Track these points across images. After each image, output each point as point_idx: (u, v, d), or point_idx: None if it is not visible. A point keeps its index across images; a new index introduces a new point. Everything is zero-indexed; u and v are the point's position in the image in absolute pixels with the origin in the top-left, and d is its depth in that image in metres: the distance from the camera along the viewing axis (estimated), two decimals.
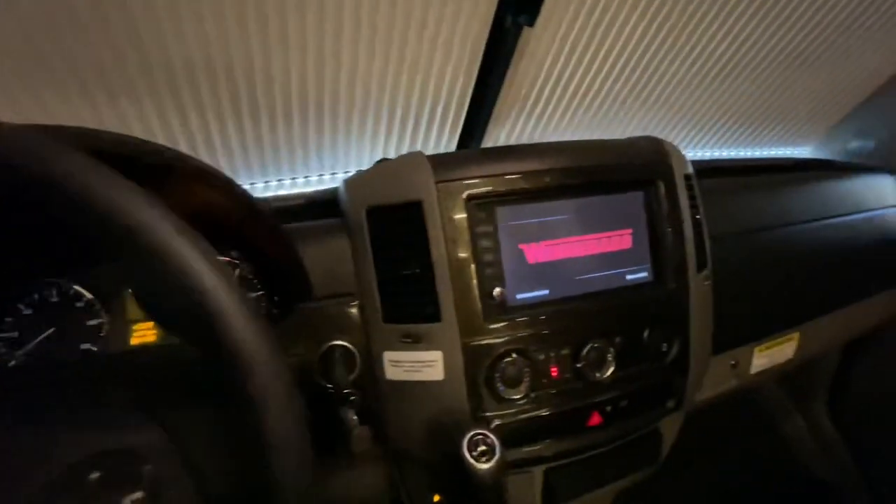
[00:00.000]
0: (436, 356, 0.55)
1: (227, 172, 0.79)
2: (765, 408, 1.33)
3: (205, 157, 0.76)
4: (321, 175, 0.91)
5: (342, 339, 0.57)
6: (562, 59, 0.80)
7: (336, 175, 0.92)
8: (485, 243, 0.57)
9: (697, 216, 0.67)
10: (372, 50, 0.69)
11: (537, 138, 0.96)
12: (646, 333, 0.62)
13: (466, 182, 0.56)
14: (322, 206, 0.71)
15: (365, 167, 0.90)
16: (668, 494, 1.20)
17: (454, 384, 0.55)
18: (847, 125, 1.09)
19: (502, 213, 0.58)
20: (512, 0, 0.67)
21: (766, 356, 0.86)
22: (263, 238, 0.51)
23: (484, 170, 0.57)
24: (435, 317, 0.54)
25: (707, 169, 0.94)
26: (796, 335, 0.87)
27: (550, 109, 0.91)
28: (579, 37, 0.77)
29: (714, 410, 0.89)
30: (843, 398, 1.22)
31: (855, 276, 0.91)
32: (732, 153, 1.13)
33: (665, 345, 0.64)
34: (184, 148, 0.73)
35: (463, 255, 0.55)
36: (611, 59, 0.83)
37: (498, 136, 0.93)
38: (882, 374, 1.12)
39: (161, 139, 0.70)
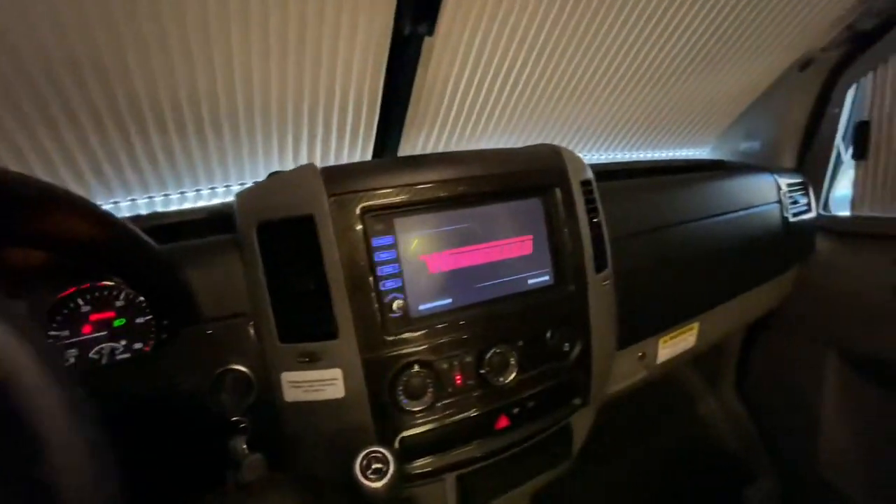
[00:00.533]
0: (335, 374, 0.53)
1: (118, 187, 0.75)
2: (680, 392, 1.43)
3: (88, 173, 0.69)
4: (228, 186, 0.86)
5: (238, 363, 0.54)
6: (468, 67, 0.81)
7: (246, 185, 0.88)
8: (384, 256, 0.56)
9: (595, 219, 0.71)
10: (266, 57, 0.66)
11: (452, 148, 0.97)
12: (548, 335, 0.64)
13: (361, 194, 0.55)
14: (224, 220, 0.68)
15: None
16: (592, 482, 1.26)
17: (356, 401, 0.54)
18: (737, 129, 1.20)
19: (402, 224, 0.57)
20: (409, 9, 0.67)
21: (671, 346, 0.92)
22: (133, 262, 0.48)
23: (379, 181, 0.56)
24: (332, 334, 0.53)
25: (610, 171, 0.99)
26: (696, 324, 0.94)
27: (463, 118, 0.92)
28: (483, 45, 0.78)
29: (632, 399, 0.94)
30: (747, 377, 1.34)
31: (745, 267, 1.00)
32: (637, 155, 1.20)
33: (567, 345, 0.66)
34: (64, 167, 0.67)
35: (360, 268, 0.54)
36: (516, 68, 0.85)
37: (414, 146, 0.93)
38: (777, 352, 1.24)
39: (32, 157, 0.64)
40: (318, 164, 0.87)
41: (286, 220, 0.53)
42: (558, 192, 0.66)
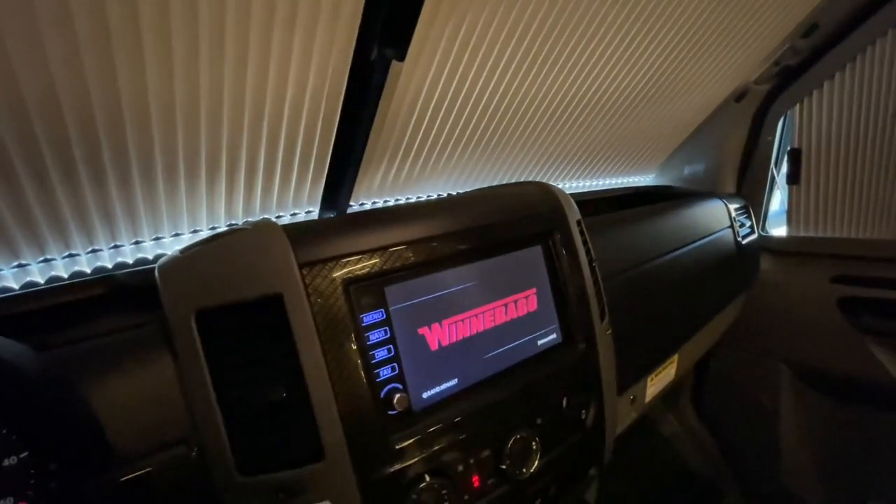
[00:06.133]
0: None
1: None
2: (644, 418, 1.42)
3: None
4: (139, 242, 0.67)
5: None
6: (436, 95, 0.72)
7: (162, 240, 0.69)
8: (375, 336, 0.44)
9: (593, 263, 0.64)
10: (195, 77, 0.51)
11: (412, 181, 0.87)
12: (564, 404, 0.55)
13: (343, 260, 0.42)
14: (134, 297, 0.51)
15: (199, 230, 0.71)
16: None
17: None
18: (680, 156, 1.24)
19: (393, 293, 0.45)
20: (376, 31, 0.57)
21: (656, 383, 0.88)
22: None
23: (363, 242, 0.44)
24: (316, 455, 0.39)
25: (579, 200, 0.95)
26: (676, 357, 0.91)
27: (426, 150, 0.82)
28: (452, 74, 0.70)
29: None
30: (703, 396, 1.37)
31: (712, 293, 1.01)
32: (590, 183, 1.20)
33: (584, 411, 0.58)
34: None
35: (348, 358, 0.41)
36: (484, 98, 0.78)
37: (372, 181, 0.81)
38: (731, 369, 1.28)
39: None
40: (258, 204, 0.73)
41: (241, 305, 0.39)
42: (558, 236, 0.59)
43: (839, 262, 1.02)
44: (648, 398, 0.87)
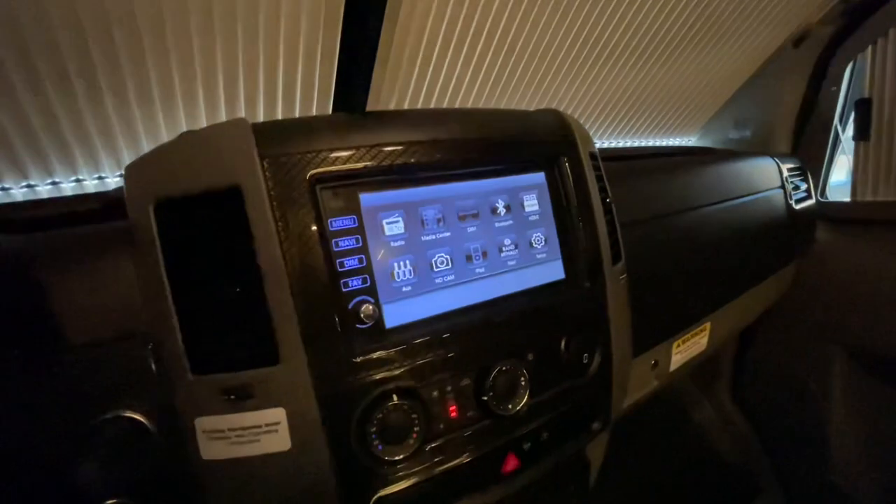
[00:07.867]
0: (276, 415, 0.37)
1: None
2: (676, 401, 1.32)
3: None
4: None
5: (127, 408, 0.36)
6: (443, 29, 0.67)
7: None
8: (345, 243, 0.40)
9: (608, 199, 0.58)
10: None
11: None
12: (563, 345, 0.50)
13: (310, 156, 0.39)
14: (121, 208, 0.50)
15: None
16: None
17: (308, 454, 0.37)
18: (725, 115, 1.12)
19: (369, 200, 0.42)
20: None
21: (682, 350, 0.80)
22: None
23: (336, 140, 0.40)
24: (271, 357, 0.36)
25: (604, 155, 0.88)
26: (708, 325, 0.83)
27: (439, 87, 0.78)
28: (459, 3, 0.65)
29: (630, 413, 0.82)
30: (743, 381, 1.25)
31: (753, 259, 0.91)
32: (621, 143, 1.11)
33: (586, 356, 0.52)
34: None
35: (311, 261, 0.38)
36: (500, 28, 0.72)
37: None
38: (775, 352, 1.16)
39: None
40: None
41: (198, 196, 0.36)
42: (567, 164, 0.53)
43: None
44: (673, 367, 0.80)
